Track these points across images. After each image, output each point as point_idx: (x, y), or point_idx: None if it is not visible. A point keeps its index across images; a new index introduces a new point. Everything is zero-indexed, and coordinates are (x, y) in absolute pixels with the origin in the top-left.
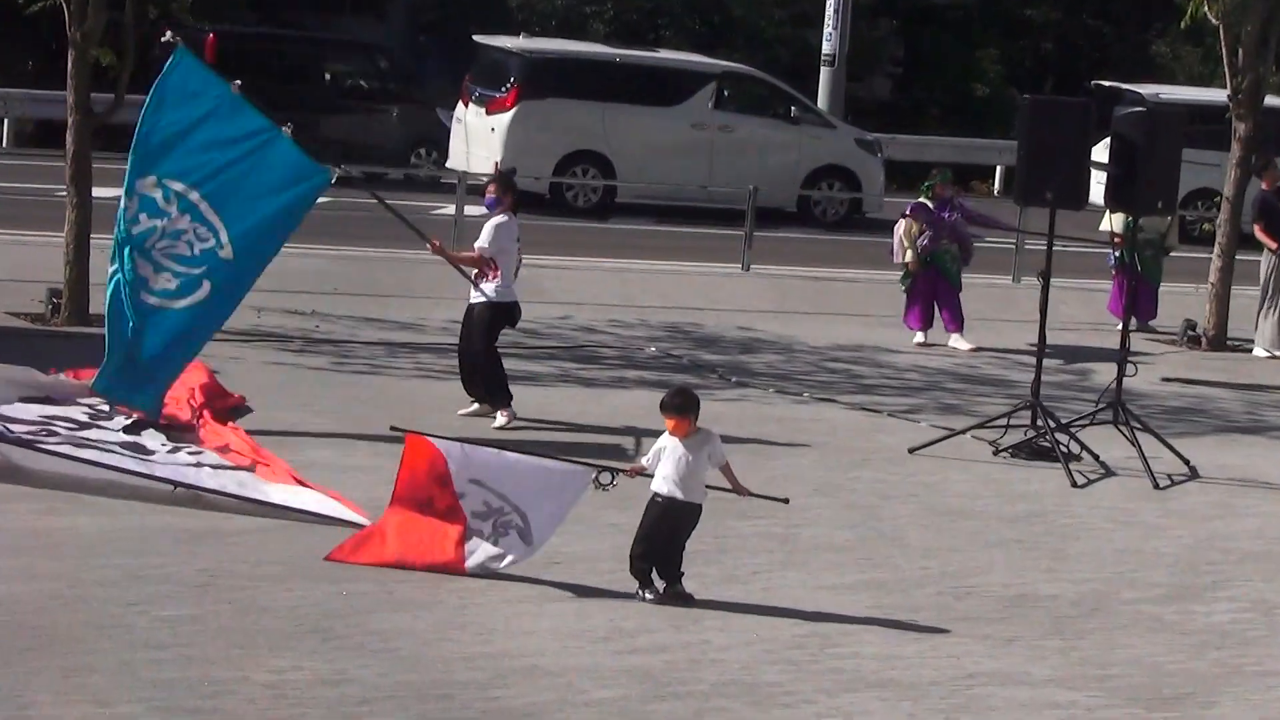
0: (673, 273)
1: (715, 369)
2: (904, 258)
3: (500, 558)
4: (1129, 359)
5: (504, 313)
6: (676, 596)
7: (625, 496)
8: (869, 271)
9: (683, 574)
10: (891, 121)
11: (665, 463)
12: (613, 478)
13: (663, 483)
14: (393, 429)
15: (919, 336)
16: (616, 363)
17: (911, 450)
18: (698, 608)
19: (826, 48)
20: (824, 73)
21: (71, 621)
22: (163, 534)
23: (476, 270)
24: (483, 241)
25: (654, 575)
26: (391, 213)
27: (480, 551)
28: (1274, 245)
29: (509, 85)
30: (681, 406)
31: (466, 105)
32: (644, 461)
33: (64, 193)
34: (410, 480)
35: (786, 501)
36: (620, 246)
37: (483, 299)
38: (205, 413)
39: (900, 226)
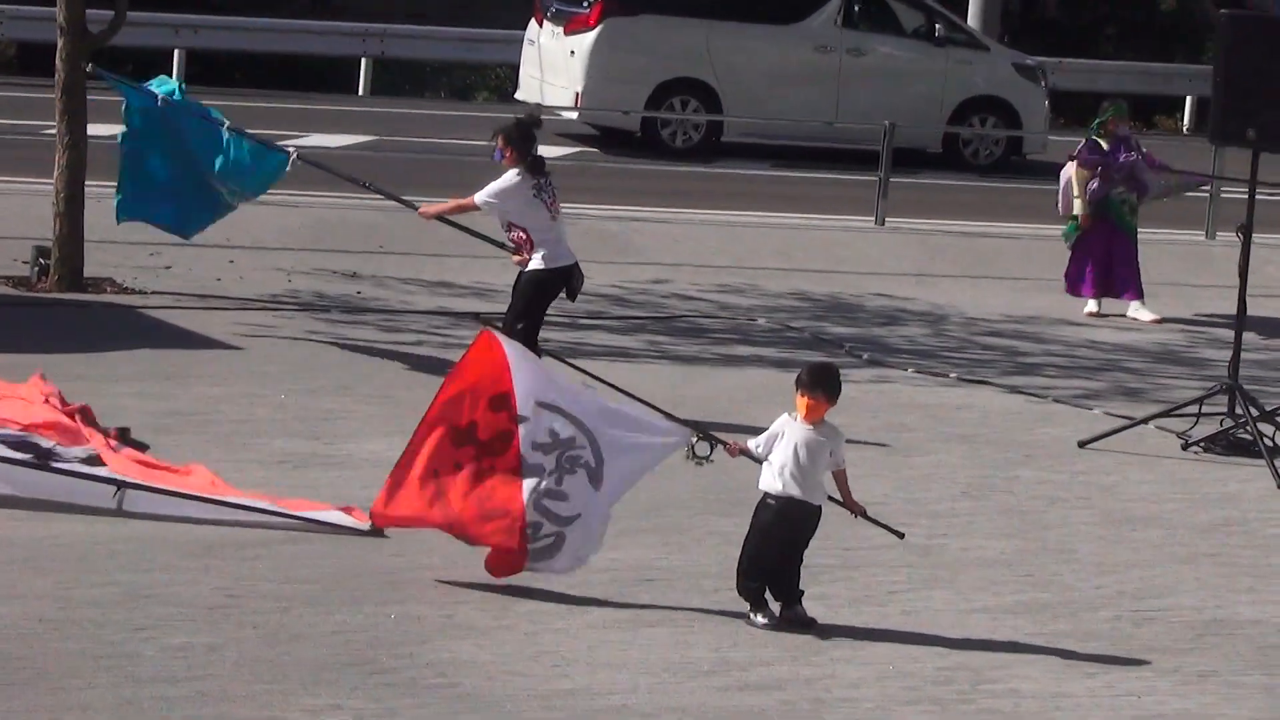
0: (791, 227)
1: (843, 344)
2: (1075, 209)
3: (558, 543)
4: None
5: (555, 280)
6: (795, 621)
7: (733, 500)
8: (1030, 225)
9: (803, 593)
10: (1057, 43)
11: (779, 451)
12: (711, 449)
13: (775, 478)
14: (476, 317)
15: (1090, 305)
16: (722, 336)
17: (1082, 444)
18: (821, 634)
19: None
20: None
21: (63, 651)
22: (170, 545)
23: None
24: (483, 194)
25: (767, 595)
26: (366, 186)
27: (544, 535)
28: None
29: (591, 1)
30: (820, 383)
31: (540, 24)
32: (752, 444)
33: (53, 130)
34: (455, 397)
35: (901, 536)
36: (727, 195)
37: (533, 265)
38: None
39: (1068, 170)
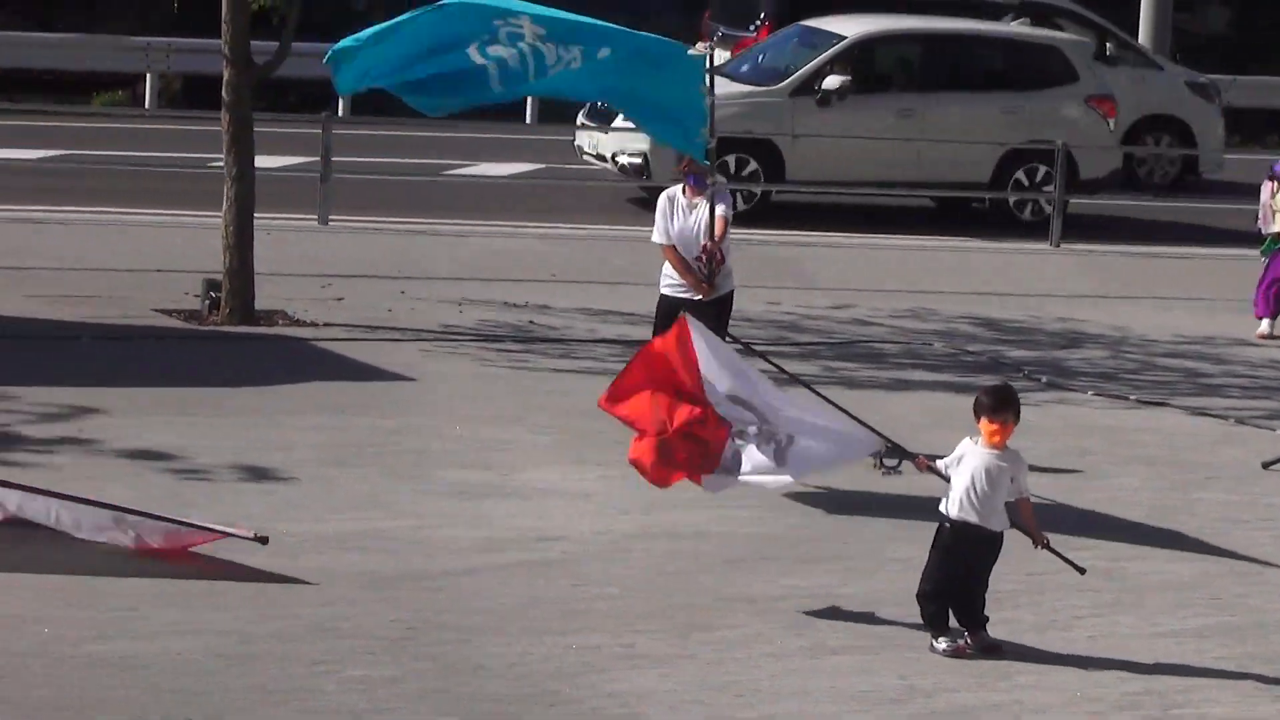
0: (965, 250)
1: (1021, 367)
2: (1273, 225)
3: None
4: None
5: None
6: (980, 646)
7: (914, 525)
8: (1208, 247)
9: (987, 619)
10: (1231, 60)
11: (960, 475)
12: (899, 461)
13: (954, 502)
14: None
15: (1263, 326)
16: (898, 361)
17: (1266, 465)
18: (1007, 659)
19: None
20: (1145, 1)
21: (243, 686)
22: (349, 578)
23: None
24: (727, 210)
25: (951, 620)
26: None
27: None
28: None
29: (760, 22)
30: (1003, 406)
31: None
32: (941, 464)
33: (220, 163)
34: (659, 356)
35: (1083, 572)
36: (899, 220)
37: (729, 284)
38: None
39: (1266, 189)
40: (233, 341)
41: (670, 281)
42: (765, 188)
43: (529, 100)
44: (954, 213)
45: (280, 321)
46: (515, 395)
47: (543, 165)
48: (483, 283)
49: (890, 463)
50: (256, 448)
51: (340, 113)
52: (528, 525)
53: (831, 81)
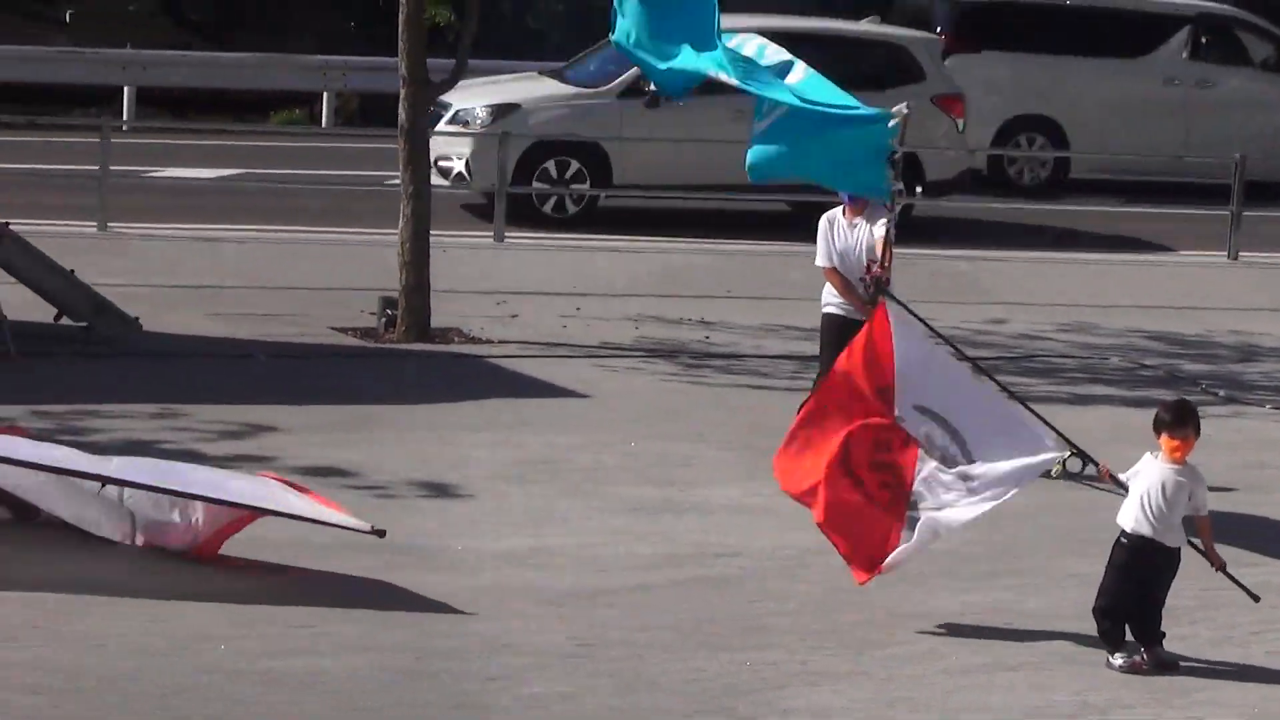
0: (1142, 264)
1: (1199, 381)
2: None
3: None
4: None
5: None
6: (1156, 662)
7: (1090, 541)
8: None
9: (1164, 634)
10: None
11: (1137, 488)
12: (1083, 467)
13: (1131, 516)
14: (878, 284)
15: None
16: (1073, 375)
17: None
18: (1183, 676)
19: None
20: None
21: (418, 702)
22: (523, 594)
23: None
24: (888, 228)
25: (1126, 636)
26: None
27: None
28: None
29: (937, 37)
30: (1183, 421)
31: None
32: (1123, 476)
33: (397, 180)
34: (842, 379)
35: (1257, 600)
36: (1075, 232)
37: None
38: None
39: None
40: (409, 359)
41: (833, 301)
42: (592, 191)
43: None
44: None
45: (456, 338)
46: (690, 411)
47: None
48: (658, 299)
49: (1073, 469)
50: (432, 464)
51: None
52: (704, 541)
53: None
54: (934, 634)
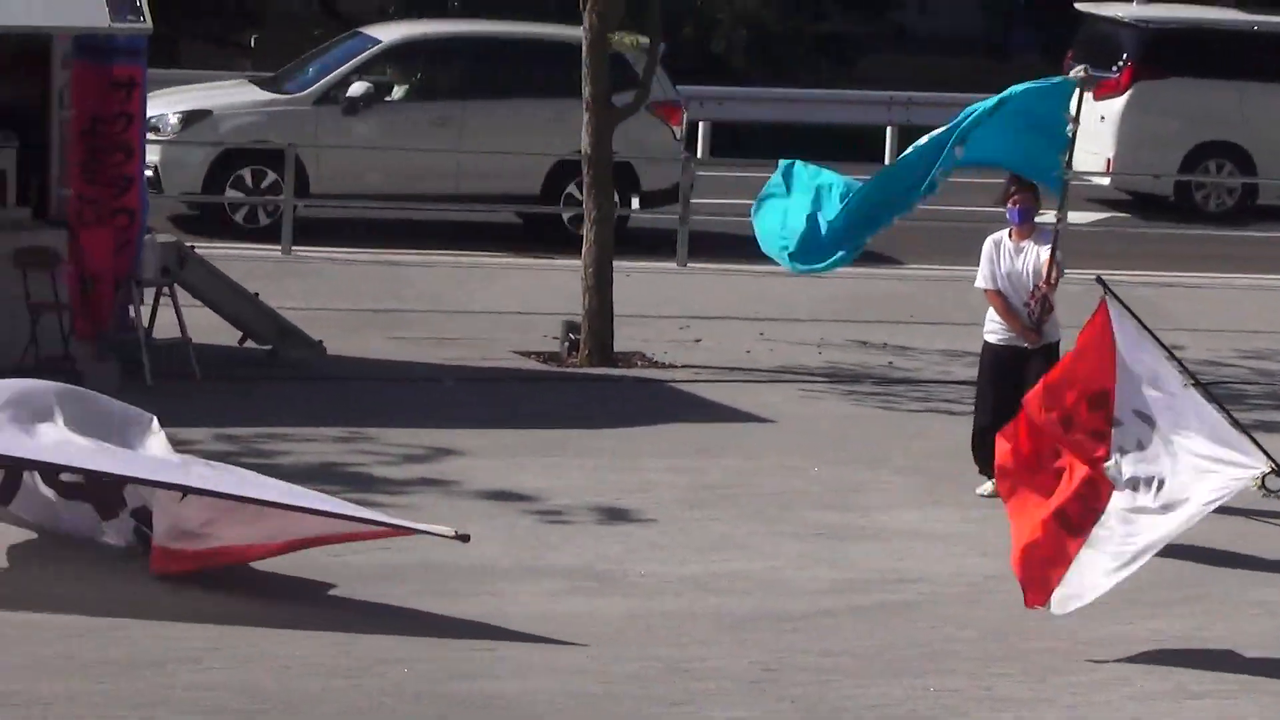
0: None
1: None
2: None
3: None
4: None
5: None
6: None
7: (1277, 566)
8: None
9: None
10: None
11: None
12: None
13: None
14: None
15: None
16: (1259, 403)
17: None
18: None
19: None
20: None
21: None
22: (705, 619)
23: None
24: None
25: None
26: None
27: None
28: None
29: (1123, 63)
30: None
31: None
32: None
33: (581, 204)
34: (1058, 384)
35: None
36: (1264, 259)
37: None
38: None
39: None
40: (591, 383)
41: (995, 328)
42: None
43: (888, 138)
44: (546, 231)
45: (639, 363)
46: (874, 436)
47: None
48: (841, 324)
49: (1273, 486)
50: (615, 489)
51: (700, 154)
52: (887, 566)
53: (356, 88)
54: (1119, 661)
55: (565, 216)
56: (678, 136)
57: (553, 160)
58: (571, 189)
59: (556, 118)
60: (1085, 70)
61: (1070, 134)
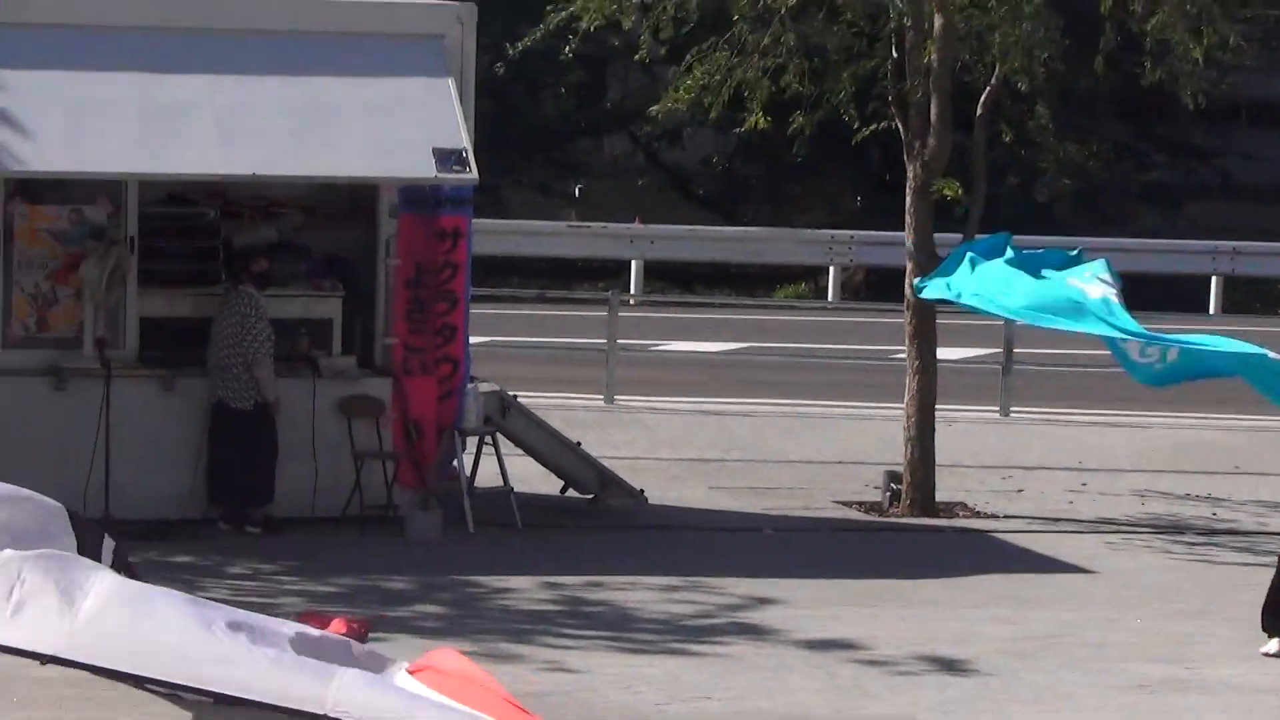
0: None
1: None
2: None
3: None
4: None
5: None
6: None
7: None
8: None
9: None
10: None
11: None
12: None
13: None
14: None
15: None
16: None
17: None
18: None
19: None
20: None
21: None
22: None
23: None
24: None
25: None
26: None
27: None
28: None
29: None
30: None
31: None
32: None
33: (903, 355)
34: None
35: None
36: None
37: None
38: None
39: None
40: (914, 533)
41: None
42: None
43: (1212, 289)
44: None
45: (960, 513)
46: (1198, 588)
47: None
48: (1164, 474)
49: None
50: (937, 639)
51: None
52: None
53: None
54: None
55: None
56: None
57: None
58: None
59: None
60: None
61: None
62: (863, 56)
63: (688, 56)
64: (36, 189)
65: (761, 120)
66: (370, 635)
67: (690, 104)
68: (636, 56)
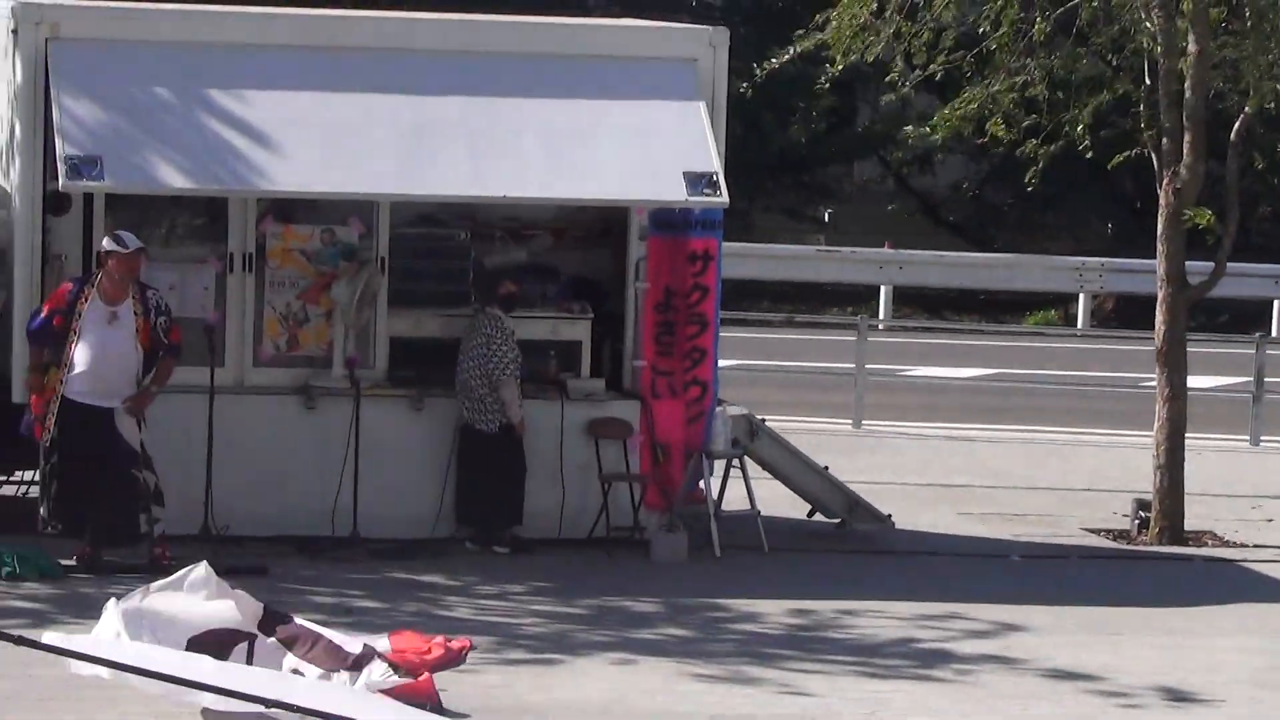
0: None
1: None
2: None
3: None
4: None
5: None
6: None
7: None
8: None
9: None
10: None
11: None
12: None
13: None
14: None
15: None
16: None
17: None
18: None
19: None
20: None
21: None
22: None
23: None
24: None
25: None
26: None
27: None
28: None
29: None
30: None
31: None
32: None
33: (1153, 382)
34: None
35: None
36: None
37: None
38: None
39: None
40: (1162, 562)
41: None
42: None
43: None
44: None
45: (1209, 542)
46: None
47: None
48: None
49: None
50: (1182, 669)
51: (1275, 332)
52: None
53: None
54: None
55: None
56: None
57: None
58: None
59: None
60: None
61: None
62: (1106, 86)
63: (964, 88)
64: (289, 209)
65: (1001, 130)
66: (469, 655)
67: (950, 132)
68: (888, 80)
